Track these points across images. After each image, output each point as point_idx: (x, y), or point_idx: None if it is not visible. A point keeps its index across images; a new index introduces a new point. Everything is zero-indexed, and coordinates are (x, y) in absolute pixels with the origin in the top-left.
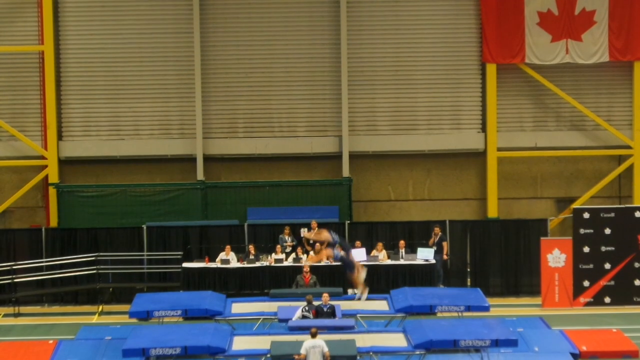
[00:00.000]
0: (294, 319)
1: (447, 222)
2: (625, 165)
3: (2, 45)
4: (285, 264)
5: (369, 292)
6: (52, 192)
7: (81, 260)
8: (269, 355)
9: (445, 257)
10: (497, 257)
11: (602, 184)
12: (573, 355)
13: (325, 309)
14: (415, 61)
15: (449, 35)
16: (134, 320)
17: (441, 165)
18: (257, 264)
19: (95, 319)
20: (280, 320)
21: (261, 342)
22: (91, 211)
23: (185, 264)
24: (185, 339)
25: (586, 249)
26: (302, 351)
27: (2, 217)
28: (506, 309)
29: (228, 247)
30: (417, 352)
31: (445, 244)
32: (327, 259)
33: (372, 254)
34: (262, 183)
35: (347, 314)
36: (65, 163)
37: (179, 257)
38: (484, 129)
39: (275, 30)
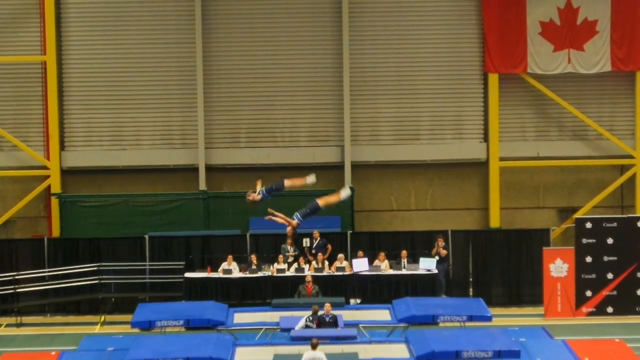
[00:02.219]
0: (296, 328)
1: (450, 232)
2: (627, 175)
3: (5, 56)
4: (288, 273)
5: (372, 302)
6: (54, 202)
7: (83, 270)
8: None
9: (442, 250)
10: (499, 267)
11: (604, 193)
12: None
13: (327, 319)
14: (418, 71)
15: (451, 45)
16: (136, 330)
17: (443, 175)
18: (260, 274)
19: (97, 329)
20: (283, 330)
21: (263, 353)
22: (93, 221)
23: (187, 274)
24: (188, 349)
25: (588, 259)
26: None
27: (4, 227)
28: (508, 319)
29: (230, 257)
30: None
31: (444, 251)
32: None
33: (374, 264)
34: None
35: (349, 324)
36: (67, 173)
37: (181, 267)
38: (486, 138)
39: (278, 40)
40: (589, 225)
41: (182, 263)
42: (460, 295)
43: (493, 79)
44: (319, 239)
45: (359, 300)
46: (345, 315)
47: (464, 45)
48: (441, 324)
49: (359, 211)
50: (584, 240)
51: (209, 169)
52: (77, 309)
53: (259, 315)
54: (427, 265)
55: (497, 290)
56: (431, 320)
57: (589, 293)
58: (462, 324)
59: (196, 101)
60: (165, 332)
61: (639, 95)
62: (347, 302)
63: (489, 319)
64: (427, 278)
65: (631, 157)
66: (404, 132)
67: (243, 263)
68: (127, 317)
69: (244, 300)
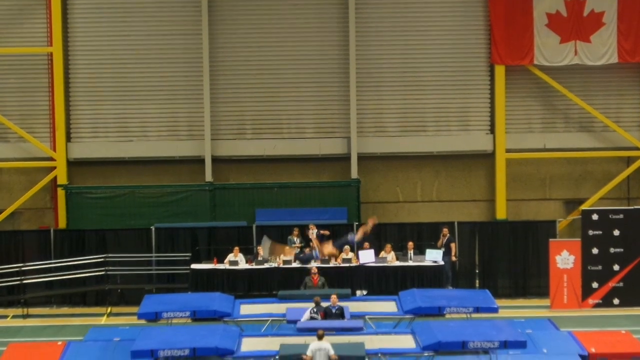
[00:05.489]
0: (302, 320)
1: (456, 223)
2: (633, 166)
3: (11, 47)
4: (294, 265)
5: (379, 294)
6: (60, 193)
7: (90, 261)
8: (277, 357)
9: (454, 258)
10: (505, 258)
11: (610, 185)
12: (582, 356)
13: (333, 310)
14: (424, 62)
15: (458, 37)
16: (142, 321)
17: (450, 167)
18: (266, 266)
19: (103, 320)
20: (289, 322)
21: (270, 344)
22: (99, 212)
23: (193, 265)
24: (194, 340)
25: (595, 251)
26: (309, 353)
27: (11, 218)
28: (515, 310)
29: (236, 248)
30: (426, 354)
31: (453, 245)
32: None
33: (380, 256)
34: (271, 184)
35: (355, 316)
36: (73, 164)
37: (187, 258)
38: (492, 130)
39: (284, 32)
40: (595, 217)
41: (188, 254)
42: (467, 286)
43: (499, 70)
44: (315, 230)
45: (365, 292)
46: (352, 306)
47: (470, 36)
48: (447, 316)
49: (365, 203)
50: (590, 232)
51: (215, 160)
52: (84, 300)
53: (265, 307)
54: (434, 256)
55: (503, 282)
56: (437, 312)
57: (595, 285)
58: (469, 316)
59: (202, 92)
60: (172, 323)
61: None
62: (354, 294)
63: (495, 310)
64: (434, 269)
65: (637, 148)
66: (410, 124)
67: (249, 254)
68: (134, 309)
69: (250, 291)
